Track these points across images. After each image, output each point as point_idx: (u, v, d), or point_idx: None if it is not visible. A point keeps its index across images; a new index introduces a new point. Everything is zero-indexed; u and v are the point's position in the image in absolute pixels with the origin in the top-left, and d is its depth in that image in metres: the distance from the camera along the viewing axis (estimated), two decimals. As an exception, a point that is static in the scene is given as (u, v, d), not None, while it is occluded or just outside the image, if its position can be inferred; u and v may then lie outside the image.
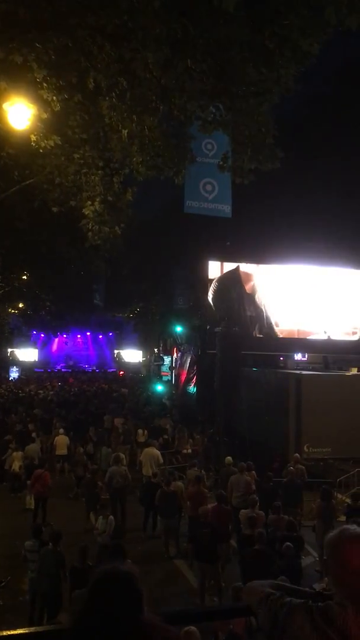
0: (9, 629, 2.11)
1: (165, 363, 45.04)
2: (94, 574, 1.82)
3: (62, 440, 19.17)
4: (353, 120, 23.29)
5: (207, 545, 9.98)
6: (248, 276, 21.75)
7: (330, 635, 1.81)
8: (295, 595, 2.05)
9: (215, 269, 21.55)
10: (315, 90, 29.40)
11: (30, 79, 7.67)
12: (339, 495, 14.32)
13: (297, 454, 15.87)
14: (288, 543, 9.31)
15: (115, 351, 69.44)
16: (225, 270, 21.63)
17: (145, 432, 21.41)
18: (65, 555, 8.88)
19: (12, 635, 2.11)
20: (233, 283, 21.42)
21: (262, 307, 21.62)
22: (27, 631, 2.18)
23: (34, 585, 9.01)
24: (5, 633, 2.10)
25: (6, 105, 8.43)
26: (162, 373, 44.52)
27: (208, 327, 21.67)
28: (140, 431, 21.37)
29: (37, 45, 7.17)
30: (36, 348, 65.14)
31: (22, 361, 61.44)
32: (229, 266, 21.78)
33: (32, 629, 2.26)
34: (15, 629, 2.14)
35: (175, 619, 2.53)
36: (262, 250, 22.11)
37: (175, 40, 7.14)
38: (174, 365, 40.80)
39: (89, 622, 1.63)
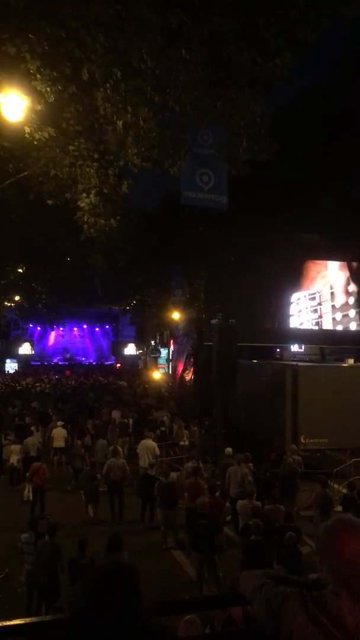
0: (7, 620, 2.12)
1: (162, 355, 45.08)
2: (95, 567, 1.84)
3: (59, 433, 19.20)
4: (353, 112, 23.19)
5: (204, 536, 10.02)
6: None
7: (324, 624, 1.82)
8: (289, 584, 2.06)
9: (213, 263, 21.59)
10: (314, 81, 29.29)
11: (24, 70, 7.62)
12: (336, 486, 14.38)
13: (293, 445, 15.93)
14: (291, 532, 9.35)
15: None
16: (222, 264, 21.63)
17: (131, 421, 21.73)
18: (63, 547, 8.90)
19: (9, 625, 2.12)
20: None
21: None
22: (23, 622, 2.19)
23: (31, 577, 9.03)
24: (2, 624, 2.10)
25: (0, 97, 8.37)
26: (159, 365, 44.58)
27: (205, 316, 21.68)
28: (126, 420, 21.53)
29: (30, 36, 7.13)
30: (32, 341, 64.92)
31: (19, 354, 61.24)
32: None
33: (28, 620, 2.26)
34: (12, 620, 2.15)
35: (173, 608, 2.55)
36: (258, 243, 22.04)
37: (169, 30, 7.12)
38: (171, 357, 40.85)
39: (86, 616, 1.64)
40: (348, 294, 22.94)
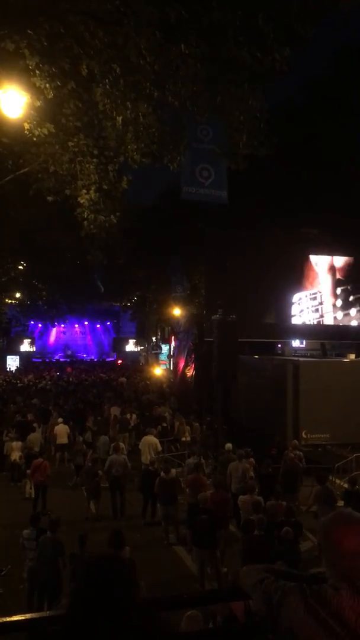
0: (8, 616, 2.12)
1: (163, 351, 45.09)
2: (86, 560, 1.81)
3: (62, 430, 19.23)
4: (353, 105, 23.13)
5: (205, 532, 10.04)
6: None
7: (324, 617, 1.82)
8: (289, 578, 2.06)
9: (212, 258, 21.55)
10: (314, 74, 29.20)
11: (23, 66, 7.60)
12: (337, 481, 14.40)
13: (295, 440, 15.94)
14: (288, 527, 9.37)
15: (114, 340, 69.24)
16: (222, 259, 21.57)
17: (134, 416, 22.00)
18: (65, 543, 8.92)
19: (11, 621, 2.12)
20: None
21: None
22: (23, 618, 2.19)
23: (32, 574, 9.05)
24: (4, 620, 2.11)
25: (-1, 93, 8.35)
26: (161, 361, 44.59)
27: (205, 313, 21.66)
28: (127, 416, 21.68)
29: (29, 32, 7.10)
30: (33, 338, 64.90)
31: (20, 351, 61.24)
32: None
33: (28, 616, 2.27)
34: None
35: (174, 603, 2.55)
36: (258, 238, 22.02)
37: (168, 25, 7.09)
38: (172, 353, 40.86)
39: (82, 613, 1.60)
40: (349, 291, 22.90)
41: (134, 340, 64.35)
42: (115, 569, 1.65)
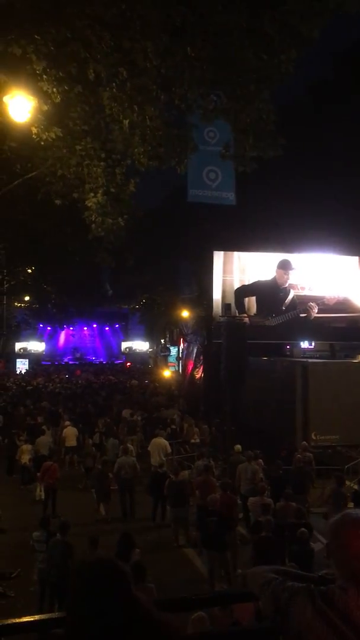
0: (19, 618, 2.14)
1: (172, 354, 45.10)
2: (75, 565, 1.77)
3: (71, 432, 19.27)
4: (355, 105, 23.07)
5: (215, 534, 10.04)
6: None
7: (332, 618, 1.82)
8: (298, 580, 2.06)
9: (219, 259, 21.49)
10: (318, 75, 29.17)
11: (30, 71, 7.64)
12: (347, 482, 14.34)
13: (304, 442, 15.89)
14: (303, 529, 9.35)
15: (123, 344, 69.17)
16: (227, 260, 21.53)
17: (138, 418, 22.17)
18: (75, 546, 8.94)
19: (22, 622, 2.13)
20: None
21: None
22: (33, 619, 2.20)
23: (43, 576, 9.09)
24: (15, 621, 2.12)
25: (6, 98, 8.40)
26: (169, 364, 44.60)
27: (214, 313, 21.63)
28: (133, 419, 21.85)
29: (36, 36, 7.15)
30: (42, 341, 65.03)
31: (30, 354, 61.30)
32: (232, 255, 21.69)
33: (37, 617, 2.28)
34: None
35: (181, 605, 2.55)
36: (265, 239, 22.00)
37: (174, 28, 7.12)
38: (180, 355, 40.88)
39: (82, 620, 1.58)
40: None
41: (143, 342, 64.42)
42: (110, 574, 1.62)
